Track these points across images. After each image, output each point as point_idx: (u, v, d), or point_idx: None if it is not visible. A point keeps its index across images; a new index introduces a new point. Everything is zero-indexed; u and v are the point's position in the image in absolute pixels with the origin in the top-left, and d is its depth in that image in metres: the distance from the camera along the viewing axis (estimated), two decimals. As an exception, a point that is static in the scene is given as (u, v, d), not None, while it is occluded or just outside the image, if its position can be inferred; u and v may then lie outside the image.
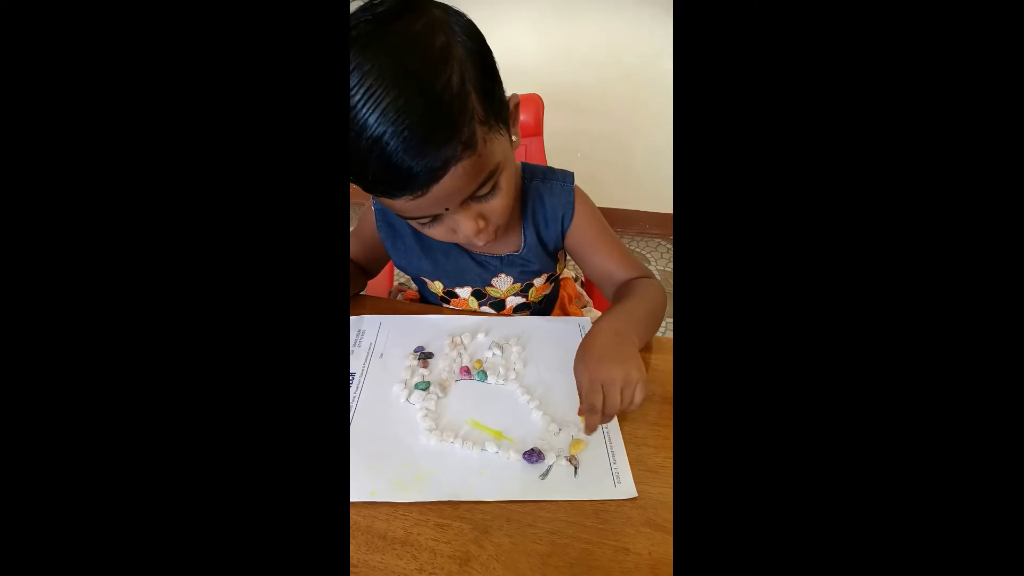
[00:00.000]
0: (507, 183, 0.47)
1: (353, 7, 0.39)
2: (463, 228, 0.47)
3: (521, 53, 1.55)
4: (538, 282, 0.64)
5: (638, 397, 0.43)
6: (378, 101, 0.37)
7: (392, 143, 0.37)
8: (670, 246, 1.73)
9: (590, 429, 0.42)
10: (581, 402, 0.43)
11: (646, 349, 0.54)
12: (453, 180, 0.41)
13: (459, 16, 0.42)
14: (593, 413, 0.42)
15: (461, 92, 0.39)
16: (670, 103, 1.54)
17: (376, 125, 0.37)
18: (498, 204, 0.47)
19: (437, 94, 0.38)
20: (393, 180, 0.40)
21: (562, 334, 0.56)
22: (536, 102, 0.88)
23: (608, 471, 0.42)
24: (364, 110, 0.37)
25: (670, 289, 1.47)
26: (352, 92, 0.37)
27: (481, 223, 0.47)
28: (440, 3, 0.42)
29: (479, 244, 0.49)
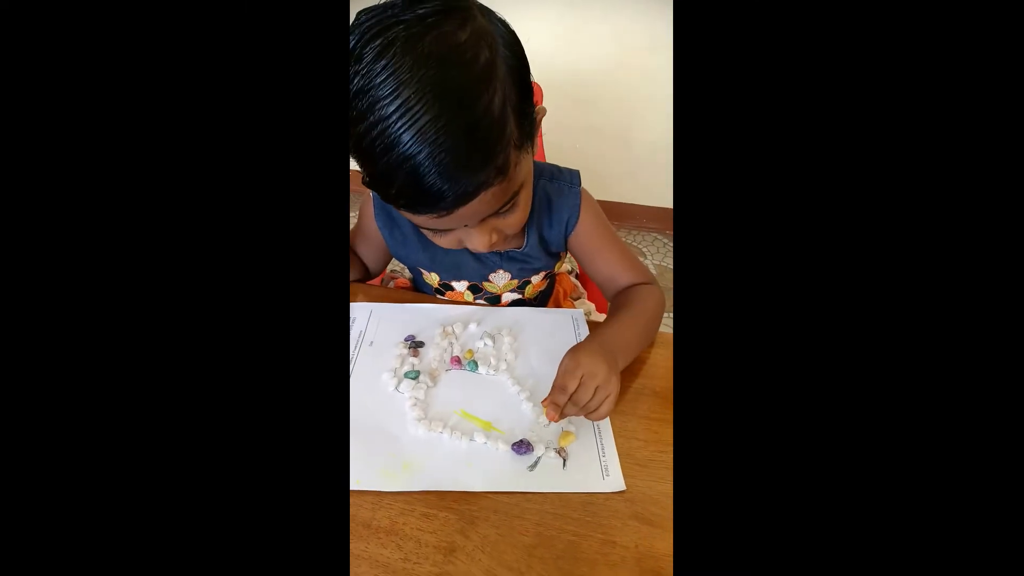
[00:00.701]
0: (525, 199, 0.46)
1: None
2: (476, 242, 0.46)
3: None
4: (535, 279, 0.64)
5: (606, 407, 0.43)
6: (415, 118, 0.34)
7: (425, 164, 0.35)
8: (667, 240, 1.72)
9: (554, 411, 0.41)
10: (553, 388, 0.43)
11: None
12: (480, 204, 0.40)
13: (501, 25, 0.40)
14: (563, 394, 0.41)
15: (501, 116, 0.37)
16: (670, 96, 1.53)
17: (410, 143, 0.35)
18: (514, 219, 0.46)
19: (478, 118, 0.36)
20: (419, 199, 0.38)
21: (554, 326, 0.56)
22: (536, 92, 0.87)
23: (597, 464, 0.42)
24: (398, 124, 0.34)
25: (666, 284, 1.47)
26: (385, 100, 0.34)
27: (495, 237, 0.46)
28: (482, 6, 0.39)
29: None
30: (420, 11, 0.35)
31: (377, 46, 0.34)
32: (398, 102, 0.34)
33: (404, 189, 0.38)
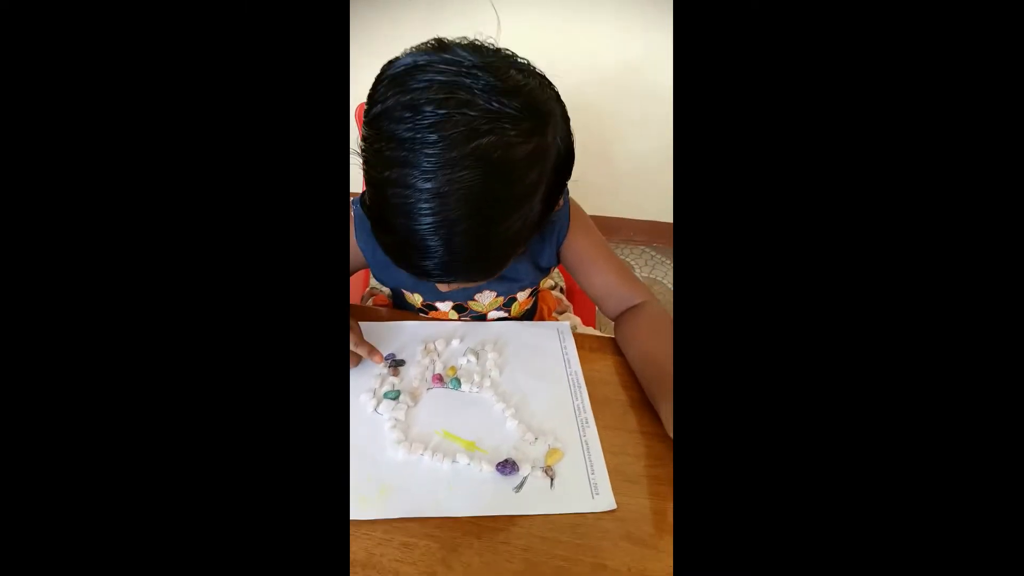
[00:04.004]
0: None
1: (456, 67, 0.33)
2: (442, 287, 0.47)
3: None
4: (521, 296, 0.62)
5: None
6: (442, 209, 0.33)
7: (430, 251, 0.35)
8: (655, 253, 1.73)
9: None
10: None
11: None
12: (457, 286, 0.43)
13: (565, 122, 0.38)
14: None
15: (517, 235, 0.37)
16: (652, 109, 1.54)
17: (426, 227, 0.34)
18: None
19: (497, 234, 0.36)
20: (409, 266, 0.38)
21: (540, 339, 0.54)
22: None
23: (586, 482, 0.40)
24: (424, 204, 0.33)
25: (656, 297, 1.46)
26: (423, 173, 0.33)
27: (455, 286, 0.47)
28: (562, 107, 0.39)
29: None
30: (495, 104, 0.33)
31: (441, 114, 0.32)
32: (432, 184, 0.33)
33: (399, 250, 0.37)
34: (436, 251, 0.35)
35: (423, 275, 0.38)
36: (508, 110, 0.33)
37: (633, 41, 1.47)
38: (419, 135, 0.32)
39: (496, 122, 0.33)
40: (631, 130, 1.61)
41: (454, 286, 0.47)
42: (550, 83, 0.39)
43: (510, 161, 0.34)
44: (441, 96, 0.33)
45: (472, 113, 0.32)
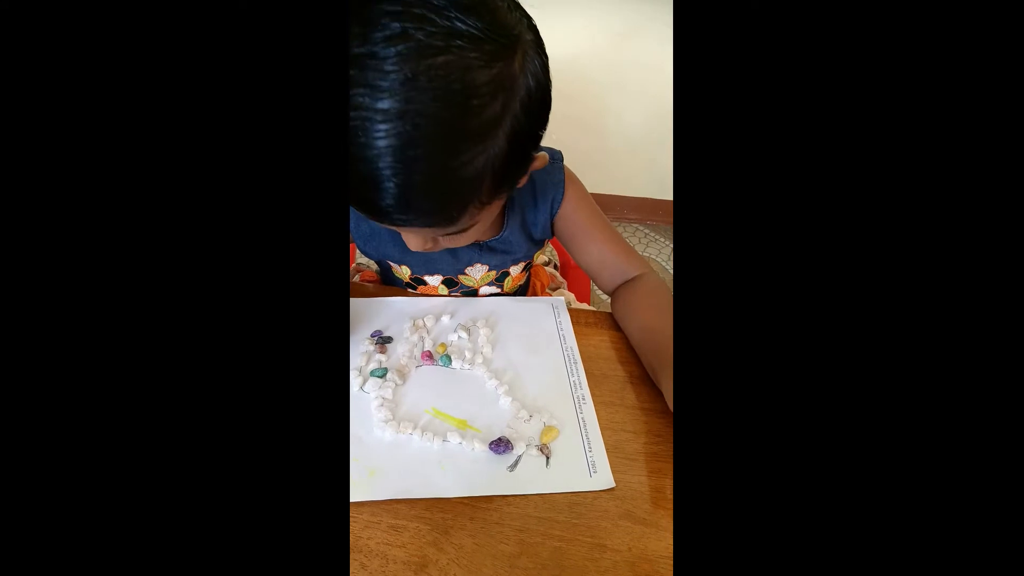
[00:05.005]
0: (482, 224, 0.42)
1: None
2: (410, 242, 0.44)
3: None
4: (515, 271, 0.60)
5: None
6: (396, 133, 0.30)
7: (382, 179, 0.32)
8: (648, 231, 1.71)
9: None
10: None
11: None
12: (420, 232, 0.41)
13: (539, 56, 0.35)
14: None
15: (476, 176, 0.34)
16: (644, 84, 1.51)
17: (379, 152, 0.31)
18: (461, 239, 0.43)
19: (452, 169, 0.32)
20: (363, 202, 0.35)
21: (534, 314, 0.52)
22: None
23: (583, 460, 0.38)
24: (377, 127, 0.30)
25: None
26: (376, 93, 0.30)
27: (431, 244, 0.44)
28: (538, 43, 0.35)
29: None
30: (457, 24, 0.30)
31: (395, 29, 0.29)
32: (387, 105, 0.30)
33: (353, 183, 0.34)
34: (388, 182, 0.32)
35: (378, 214, 0.35)
36: (469, 28, 0.30)
37: (627, 14, 1.43)
38: (369, 50, 0.30)
39: (452, 39, 0.30)
40: (625, 105, 1.57)
41: (428, 243, 0.44)
42: (523, 10, 0.35)
43: (468, 85, 0.31)
44: (396, 9, 0.30)
45: (429, 28, 0.30)
